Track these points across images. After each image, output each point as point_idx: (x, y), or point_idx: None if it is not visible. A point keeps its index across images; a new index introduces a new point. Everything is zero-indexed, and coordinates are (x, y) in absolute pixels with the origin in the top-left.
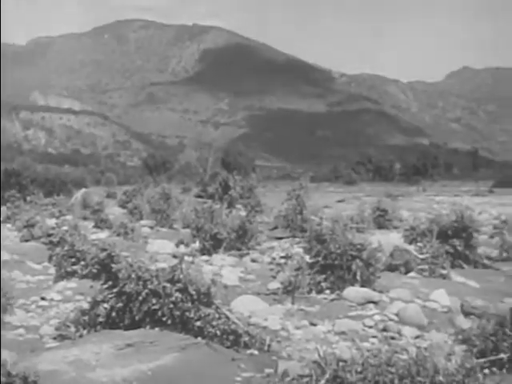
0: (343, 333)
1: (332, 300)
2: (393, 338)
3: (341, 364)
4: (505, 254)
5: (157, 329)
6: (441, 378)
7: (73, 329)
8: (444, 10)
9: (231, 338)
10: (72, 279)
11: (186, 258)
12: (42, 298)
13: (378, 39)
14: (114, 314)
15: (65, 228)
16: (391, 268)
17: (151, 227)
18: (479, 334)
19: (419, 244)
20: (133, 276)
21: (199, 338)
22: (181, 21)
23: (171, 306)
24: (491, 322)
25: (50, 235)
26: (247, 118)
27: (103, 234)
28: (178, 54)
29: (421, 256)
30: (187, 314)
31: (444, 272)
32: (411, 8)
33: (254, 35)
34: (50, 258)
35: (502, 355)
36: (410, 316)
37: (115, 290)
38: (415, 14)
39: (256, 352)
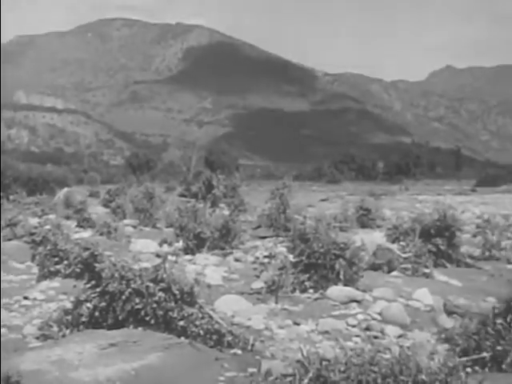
0: (326, 332)
1: (315, 299)
2: (376, 337)
3: (324, 363)
4: (487, 253)
5: (140, 328)
6: (423, 376)
7: (56, 328)
8: (427, 9)
9: (214, 337)
10: (55, 278)
11: (169, 257)
12: (25, 298)
13: (360, 39)
14: (97, 313)
15: (48, 227)
16: (374, 267)
17: (134, 226)
18: (462, 333)
19: (402, 243)
20: (116, 275)
21: (182, 338)
22: (164, 19)
23: (154, 305)
24: (474, 320)
25: (32, 234)
26: (231, 116)
27: (86, 234)
28: (161, 53)
29: (404, 255)
30: (170, 313)
31: (427, 271)
32: (395, 7)
33: (237, 34)
34: (32, 258)
35: (484, 354)
36: (392, 315)
37: (98, 290)
38: (398, 13)
39: (239, 351)
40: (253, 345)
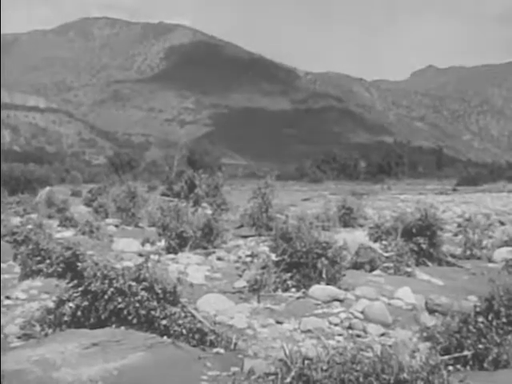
0: (309, 331)
1: (298, 298)
2: (358, 336)
3: (306, 362)
4: (469, 252)
5: (122, 328)
6: (405, 375)
7: (38, 328)
8: (409, 8)
9: (197, 336)
10: (37, 278)
11: (151, 256)
12: (7, 297)
13: (343, 38)
14: (79, 312)
15: (30, 226)
16: (356, 266)
17: (117, 226)
18: (443, 332)
19: (384, 242)
20: (98, 275)
21: (165, 337)
22: (146, 19)
23: (137, 304)
24: (455, 319)
25: (14, 234)
26: (213, 116)
27: (68, 233)
28: (143, 52)
29: (386, 254)
30: (153, 312)
31: (409, 270)
32: (376, 7)
33: (219, 33)
34: (14, 257)
35: (466, 352)
36: (375, 314)
37: (81, 289)
38: (380, 13)
39: (222, 350)
40: (235, 344)
